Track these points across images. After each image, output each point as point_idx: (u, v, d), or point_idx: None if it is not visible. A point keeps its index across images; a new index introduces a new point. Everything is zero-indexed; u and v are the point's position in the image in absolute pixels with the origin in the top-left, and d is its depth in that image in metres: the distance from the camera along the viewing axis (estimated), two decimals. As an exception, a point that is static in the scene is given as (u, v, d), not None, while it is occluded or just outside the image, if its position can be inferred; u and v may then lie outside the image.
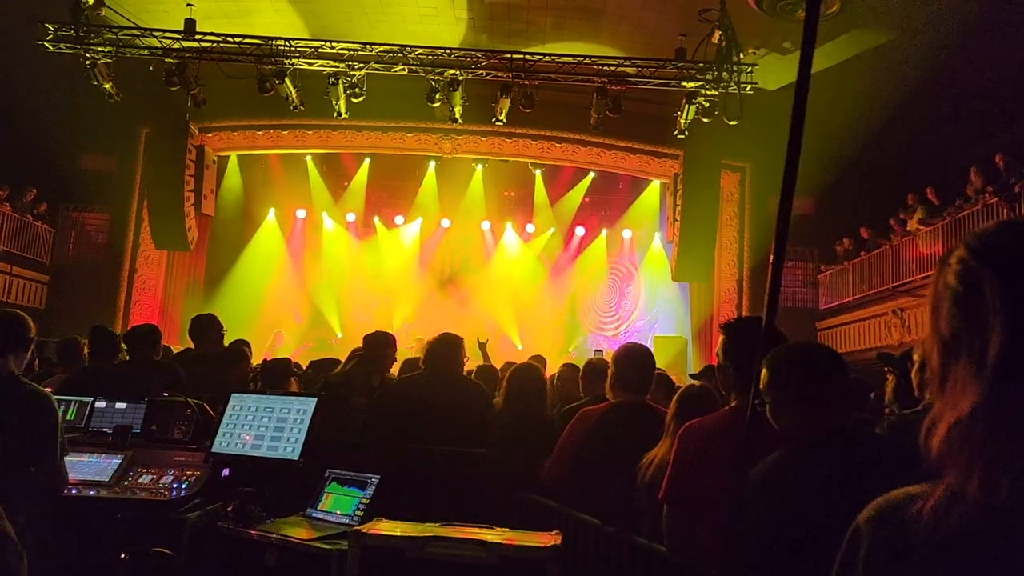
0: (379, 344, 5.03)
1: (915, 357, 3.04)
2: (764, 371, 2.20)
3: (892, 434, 2.73)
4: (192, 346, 5.87)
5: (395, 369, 5.76)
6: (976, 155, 11.60)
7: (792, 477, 2.05)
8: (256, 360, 6.44)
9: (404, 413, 4.25)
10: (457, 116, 12.37)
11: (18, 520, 2.88)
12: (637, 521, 3.18)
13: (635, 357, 3.79)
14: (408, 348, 8.81)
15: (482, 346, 6.04)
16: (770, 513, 2.00)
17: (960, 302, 0.90)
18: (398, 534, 2.82)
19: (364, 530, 2.87)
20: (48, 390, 3.44)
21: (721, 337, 2.85)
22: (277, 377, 5.02)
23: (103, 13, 11.30)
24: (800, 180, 2.11)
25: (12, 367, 3.21)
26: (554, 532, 2.90)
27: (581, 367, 6.36)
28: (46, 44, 11.36)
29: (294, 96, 12.16)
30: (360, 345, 5.25)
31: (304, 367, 6.73)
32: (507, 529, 2.96)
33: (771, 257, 2.23)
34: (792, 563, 1.94)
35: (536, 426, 4.16)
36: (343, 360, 6.80)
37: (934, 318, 0.94)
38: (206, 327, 5.47)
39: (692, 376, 9.47)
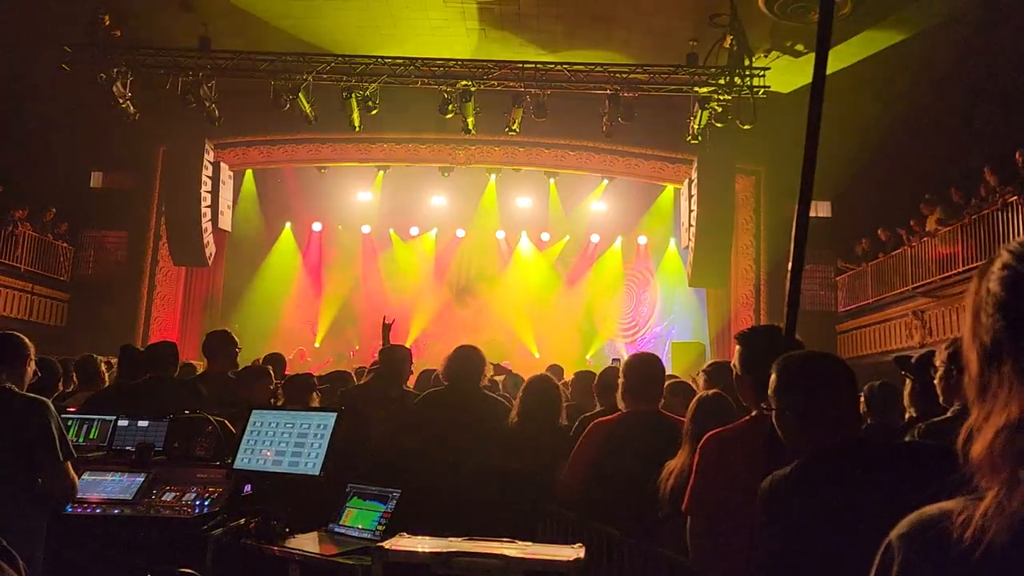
0: (395, 358, 5.03)
1: (937, 363, 2.99)
2: (772, 378, 2.16)
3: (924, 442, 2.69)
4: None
5: (411, 381, 5.76)
6: (993, 153, 11.48)
7: (806, 492, 2.01)
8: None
9: (425, 430, 4.24)
10: (470, 126, 12.42)
11: (22, 530, 2.91)
12: (659, 532, 3.16)
13: (644, 366, 3.78)
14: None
15: (386, 327, 5.89)
16: (784, 528, 1.97)
17: (1005, 308, 0.88)
18: (421, 550, 2.81)
19: (387, 546, 2.87)
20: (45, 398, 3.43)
21: (737, 347, 2.83)
22: (299, 393, 5.03)
23: (120, 33, 11.46)
24: (816, 183, 2.10)
25: (6, 382, 3.22)
26: (577, 545, 2.88)
27: (597, 374, 6.37)
28: (65, 66, 11.52)
29: (308, 111, 12.25)
30: (376, 359, 5.25)
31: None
32: (529, 543, 2.95)
33: (790, 264, 2.21)
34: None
35: (551, 437, 4.15)
36: (356, 374, 6.82)
37: (974, 324, 0.92)
38: (220, 344, 5.39)
39: (704, 371, 9.43)
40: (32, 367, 3.42)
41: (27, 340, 3.43)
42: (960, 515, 0.84)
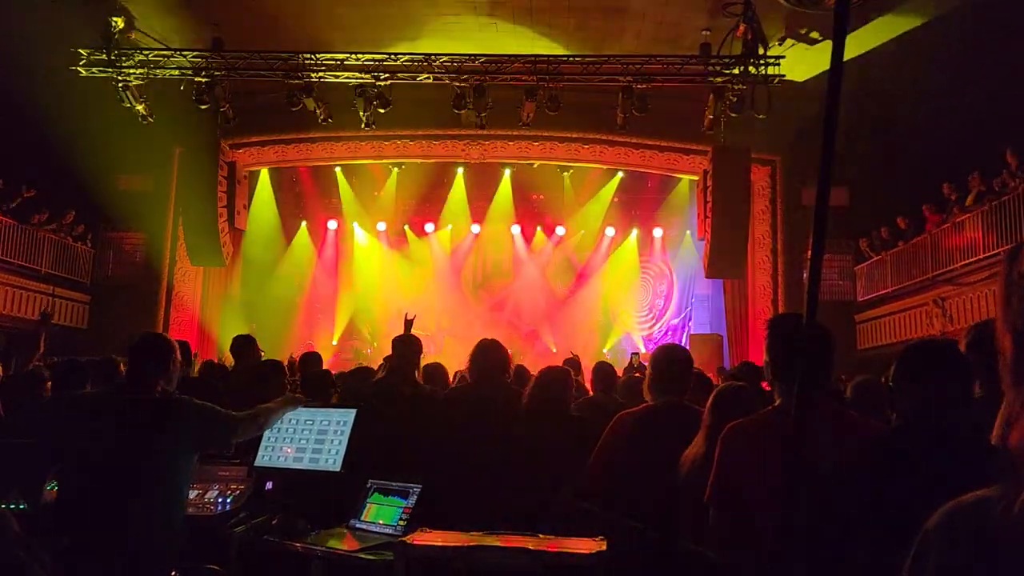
0: (405, 352, 5.00)
1: (962, 349, 2.96)
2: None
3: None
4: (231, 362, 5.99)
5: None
6: (1015, 138, 11.32)
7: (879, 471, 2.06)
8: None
9: (451, 427, 4.24)
10: (483, 122, 12.40)
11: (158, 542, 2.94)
12: (683, 524, 3.14)
13: (672, 358, 3.75)
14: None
15: (408, 323, 5.81)
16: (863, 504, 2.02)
17: None
18: (443, 544, 2.81)
19: (409, 541, 2.87)
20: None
21: (766, 335, 2.80)
22: (319, 390, 5.04)
23: (133, 36, 11.52)
24: (834, 171, 2.08)
25: (161, 384, 3.23)
26: (599, 538, 2.87)
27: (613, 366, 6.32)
28: (79, 69, 11.60)
29: (321, 109, 12.27)
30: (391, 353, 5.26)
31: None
32: (551, 536, 2.95)
33: (809, 253, 2.19)
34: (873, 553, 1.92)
35: (559, 427, 4.12)
36: (376, 368, 6.84)
37: (1006, 310, 0.90)
38: (245, 346, 5.59)
39: (727, 372, 9.35)
40: (177, 365, 3.39)
41: (172, 340, 3.41)
42: (999, 502, 0.82)
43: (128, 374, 3.36)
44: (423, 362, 5.42)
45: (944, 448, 2.05)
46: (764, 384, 6.37)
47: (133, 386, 3.24)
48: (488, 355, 4.37)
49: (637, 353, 9.51)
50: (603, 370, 5.77)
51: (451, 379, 6.24)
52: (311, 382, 5.34)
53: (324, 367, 7.13)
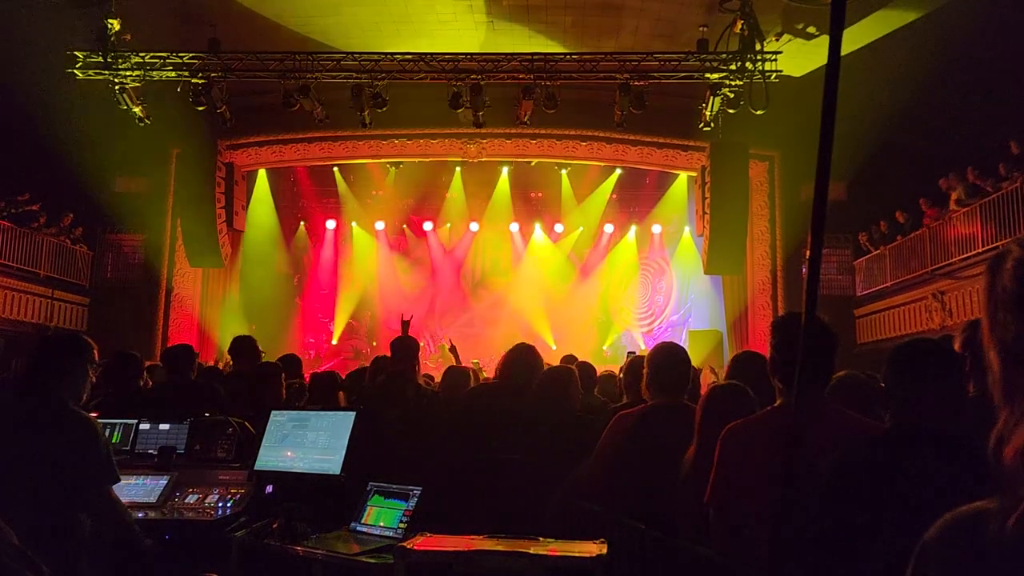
0: (404, 355, 5.01)
1: (957, 347, 2.95)
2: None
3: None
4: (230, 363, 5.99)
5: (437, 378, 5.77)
6: (1014, 131, 11.30)
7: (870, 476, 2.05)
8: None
9: (476, 424, 4.24)
10: (481, 120, 12.38)
11: (60, 554, 2.86)
12: (683, 524, 3.14)
13: (670, 357, 3.72)
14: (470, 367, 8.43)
15: (405, 324, 5.89)
16: (850, 508, 2.00)
17: (1022, 305, 0.85)
18: (443, 548, 2.81)
19: (409, 545, 2.86)
20: (93, 415, 3.38)
21: (771, 334, 2.80)
22: (324, 391, 5.03)
23: (129, 38, 11.50)
24: (832, 166, 2.07)
25: (58, 391, 3.05)
26: (599, 540, 2.87)
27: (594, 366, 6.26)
28: (76, 72, 11.57)
29: (319, 109, 12.25)
30: (387, 354, 5.27)
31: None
32: (552, 539, 2.94)
33: (807, 251, 2.19)
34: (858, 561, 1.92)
35: (566, 427, 4.12)
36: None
37: (992, 322, 0.89)
38: (244, 348, 5.59)
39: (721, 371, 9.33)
40: (90, 371, 3.19)
41: (84, 341, 3.19)
42: (997, 516, 0.81)
43: (24, 374, 3.16)
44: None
45: (938, 450, 2.05)
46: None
47: (28, 390, 3.05)
48: (521, 360, 4.40)
49: (633, 352, 9.46)
50: (582, 370, 5.79)
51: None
52: (318, 384, 5.32)
53: (325, 368, 7.14)
